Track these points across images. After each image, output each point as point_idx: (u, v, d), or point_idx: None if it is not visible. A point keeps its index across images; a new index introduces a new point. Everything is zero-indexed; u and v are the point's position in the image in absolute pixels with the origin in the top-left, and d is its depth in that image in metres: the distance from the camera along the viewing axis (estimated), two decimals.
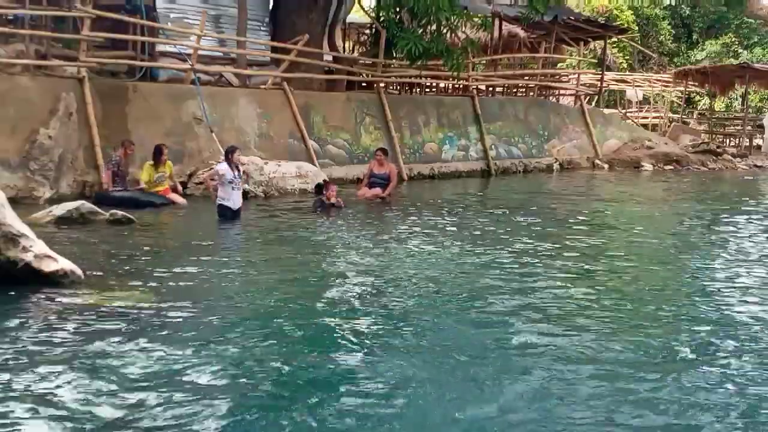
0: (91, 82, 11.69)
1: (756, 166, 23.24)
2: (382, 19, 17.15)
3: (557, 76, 24.29)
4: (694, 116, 31.14)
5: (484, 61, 21.37)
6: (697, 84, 29.10)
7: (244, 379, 4.31)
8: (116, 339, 4.88)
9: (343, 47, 20.96)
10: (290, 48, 15.18)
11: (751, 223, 11.33)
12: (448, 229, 9.80)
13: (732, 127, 28.97)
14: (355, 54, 20.13)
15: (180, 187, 11.49)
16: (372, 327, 5.39)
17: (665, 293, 6.79)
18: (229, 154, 9.91)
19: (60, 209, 9.04)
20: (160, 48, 14.12)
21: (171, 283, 6.37)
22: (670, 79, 29.35)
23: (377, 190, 12.47)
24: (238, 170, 9.98)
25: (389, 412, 3.96)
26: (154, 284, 6.29)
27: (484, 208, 12.56)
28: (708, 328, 5.63)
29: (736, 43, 34.37)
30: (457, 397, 4.17)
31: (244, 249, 8.46)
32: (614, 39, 27.69)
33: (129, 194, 10.71)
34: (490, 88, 20.89)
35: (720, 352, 5.09)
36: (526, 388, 4.31)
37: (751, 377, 4.61)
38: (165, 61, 13.99)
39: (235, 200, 9.81)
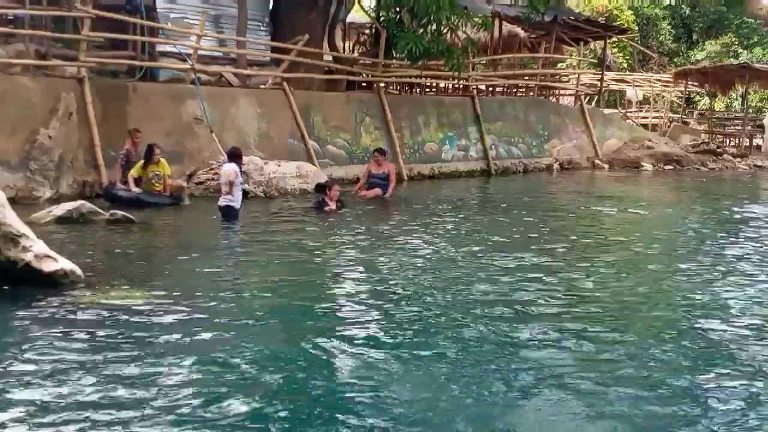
0: (91, 82, 11.69)
1: (756, 166, 23.22)
2: (382, 19, 17.14)
3: (557, 76, 24.28)
4: (694, 116, 31.12)
5: (484, 61, 21.37)
6: (697, 84, 29.09)
7: (244, 381, 4.31)
8: (116, 339, 4.88)
9: (343, 47, 20.96)
10: (290, 48, 15.18)
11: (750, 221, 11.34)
12: (450, 229, 9.80)
13: (732, 127, 28.95)
14: (355, 54, 20.12)
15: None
16: (377, 328, 5.38)
17: (676, 297, 6.78)
18: (238, 158, 9.96)
19: (60, 209, 9.04)
20: (160, 48, 14.12)
21: (171, 283, 6.36)
22: (670, 79, 29.33)
23: (377, 190, 12.49)
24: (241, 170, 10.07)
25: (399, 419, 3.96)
26: (154, 284, 6.29)
27: (485, 208, 12.55)
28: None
29: (736, 43, 34.36)
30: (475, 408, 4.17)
31: (244, 249, 8.44)
32: (614, 39, 27.67)
33: (135, 195, 10.69)
34: (490, 88, 20.89)
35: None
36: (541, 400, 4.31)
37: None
38: (165, 61, 14.00)
39: (240, 200, 9.86)
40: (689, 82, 28.29)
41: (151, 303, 5.70)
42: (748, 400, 4.25)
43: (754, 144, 27.36)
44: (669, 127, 26.89)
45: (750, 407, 4.15)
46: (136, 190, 10.82)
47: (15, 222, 6.01)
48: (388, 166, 12.90)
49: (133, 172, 10.93)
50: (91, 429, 3.64)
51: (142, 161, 10.95)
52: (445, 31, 17.29)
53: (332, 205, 10.74)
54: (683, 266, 7.86)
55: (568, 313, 5.83)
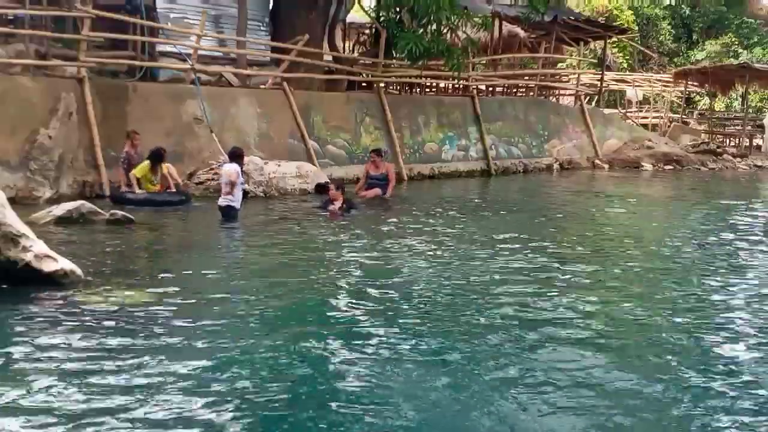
0: (91, 82, 11.69)
1: (756, 166, 23.23)
2: (382, 19, 17.14)
3: (557, 76, 24.28)
4: (694, 116, 31.12)
5: (484, 61, 21.37)
6: (697, 84, 29.08)
7: (243, 382, 4.29)
8: (116, 339, 4.88)
9: (343, 47, 20.95)
10: (290, 48, 15.18)
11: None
12: (451, 229, 9.79)
13: (732, 127, 28.96)
14: (355, 54, 20.12)
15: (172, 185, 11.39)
16: (380, 330, 5.36)
17: (678, 304, 6.76)
18: (239, 158, 9.99)
19: (60, 209, 9.03)
20: (160, 48, 14.12)
21: (171, 283, 6.36)
22: (670, 79, 29.33)
23: (377, 190, 12.49)
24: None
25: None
26: (154, 284, 6.29)
27: (486, 208, 12.53)
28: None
29: (736, 43, 34.35)
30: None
31: (245, 249, 8.44)
32: (614, 39, 27.67)
33: (145, 196, 10.67)
34: (490, 88, 20.89)
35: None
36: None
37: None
38: (165, 61, 14.00)
39: (240, 200, 9.86)
40: (689, 82, 28.29)
41: (151, 303, 5.70)
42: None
43: (754, 144, 27.36)
44: (669, 127, 26.89)
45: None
46: (140, 191, 10.80)
47: (15, 222, 6.01)
48: (386, 167, 12.89)
49: (138, 173, 10.89)
50: (90, 428, 3.64)
51: (148, 162, 10.90)
52: (445, 31, 17.29)
53: (336, 206, 10.70)
54: (688, 267, 7.87)
55: (574, 315, 5.82)
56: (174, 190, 11.16)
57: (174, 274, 6.76)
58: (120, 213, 9.15)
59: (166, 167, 11.14)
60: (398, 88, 19.54)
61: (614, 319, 5.79)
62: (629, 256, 8.43)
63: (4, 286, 5.87)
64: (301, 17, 16.10)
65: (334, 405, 4.01)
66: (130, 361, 4.48)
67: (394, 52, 16.67)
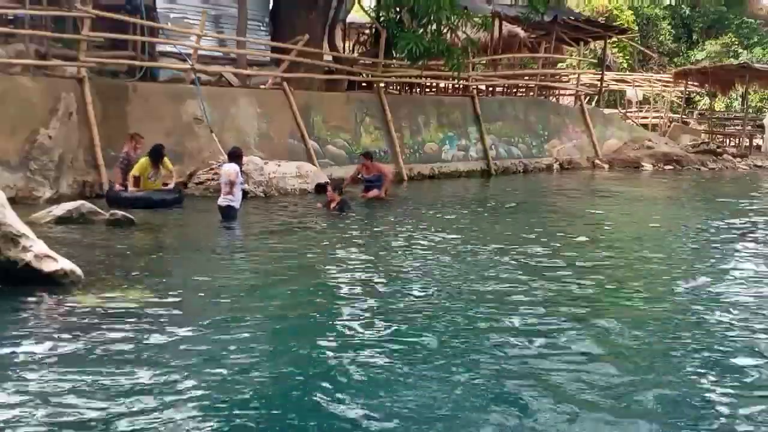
0: (91, 82, 11.69)
1: (756, 166, 23.23)
2: (382, 19, 17.15)
3: (557, 76, 24.29)
4: (694, 116, 31.13)
5: (484, 61, 21.38)
6: (697, 84, 29.09)
7: (243, 384, 4.29)
8: (115, 339, 4.88)
9: (343, 47, 20.96)
10: (290, 48, 15.19)
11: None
12: (451, 230, 9.78)
13: (732, 127, 28.96)
14: (355, 54, 20.12)
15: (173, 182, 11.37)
16: (380, 331, 5.36)
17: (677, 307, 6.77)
18: (238, 158, 10.01)
19: (60, 209, 9.04)
20: (160, 48, 14.12)
21: (170, 284, 6.36)
22: (670, 79, 29.34)
23: (375, 192, 12.48)
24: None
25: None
26: (154, 284, 6.29)
27: (486, 208, 12.53)
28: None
29: (736, 43, 34.37)
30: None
31: (245, 249, 8.44)
32: (614, 39, 27.68)
33: (140, 195, 10.65)
34: (490, 88, 20.89)
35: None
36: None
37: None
38: (165, 61, 14.00)
39: (240, 200, 9.87)
40: (689, 82, 28.30)
41: (151, 303, 5.70)
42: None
43: (754, 144, 27.37)
44: (669, 127, 26.90)
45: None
46: (133, 189, 10.76)
47: (15, 222, 6.02)
48: (377, 168, 12.84)
49: (137, 171, 10.82)
50: (89, 428, 3.64)
51: (147, 159, 10.82)
52: (445, 31, 17.30)
53: (332, 206, 10.72)
54: (690, 261, 7.87)
55: (577, 317, 5.81)
56: (171, 187, 11.14)
57: (174, 274, 6.77)
58: (120, 213, 9.15)
59: (167, 166, 11.12)
60: (398, 88, 19.55)
61: (616, 314, 5.79)
62: (628, 253, 8.43)
63: (5, 286, 5.86)
64: (301, 17, 16.12)
65: (332, 405, 4.01)
66: (130, 361, 4.48)
67: (394, 52, 16.68)
